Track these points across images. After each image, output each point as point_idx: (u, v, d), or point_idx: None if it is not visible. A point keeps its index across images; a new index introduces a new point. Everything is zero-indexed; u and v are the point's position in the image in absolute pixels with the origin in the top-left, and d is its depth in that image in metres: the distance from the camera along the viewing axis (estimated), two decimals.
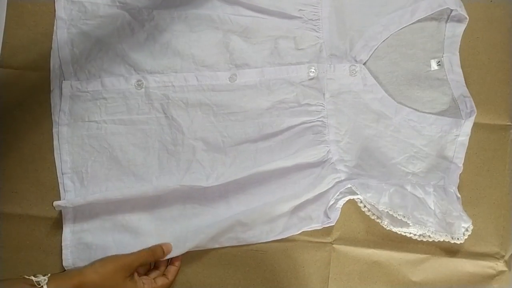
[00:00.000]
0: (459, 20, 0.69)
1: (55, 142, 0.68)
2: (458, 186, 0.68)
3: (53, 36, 0.69)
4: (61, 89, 0.68)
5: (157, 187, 0.65)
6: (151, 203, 0.67)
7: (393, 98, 0.69)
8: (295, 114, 0.68)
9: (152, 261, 0.66)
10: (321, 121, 0.68)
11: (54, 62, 0.69)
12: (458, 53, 0.70)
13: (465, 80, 0.69)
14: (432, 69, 0.70)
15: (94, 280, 0.59)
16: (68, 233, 0.67)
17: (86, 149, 0.68)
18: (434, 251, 0.69)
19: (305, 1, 0.69)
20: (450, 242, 0.66)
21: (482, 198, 0.71)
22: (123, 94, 0.68)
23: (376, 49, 0.69)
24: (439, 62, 0.70)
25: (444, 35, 0.70)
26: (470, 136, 0.69)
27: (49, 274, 0.58)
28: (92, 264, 0.62)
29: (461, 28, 0.69)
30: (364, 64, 0.69)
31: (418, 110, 0.68)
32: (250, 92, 0.68)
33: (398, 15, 0.68)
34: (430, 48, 0.70)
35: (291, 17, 0.69)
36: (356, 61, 0.69)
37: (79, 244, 0.67)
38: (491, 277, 0.69)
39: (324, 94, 0.68)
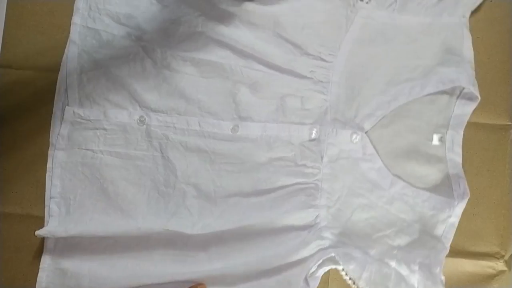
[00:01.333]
0: (470, 98, 0.68)
1: (49, 165, 0.68)
2: None
3: (63, 58, 0.70)
4: (63, 113, 0.69)
5: (141, 228, 0.64)
6: (133, 241, 0.66)
7: (390, 169, 0.68)
8: (290, 174, 0.68)
9: None
10: (315, 184, 0.68)
11: (60, 85, 0.70)
12: (462, 133, 0.69)
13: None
14: (433, 144, 0.69)
15: None
16: (48, 257, 0.67)
17: (78, 177, 0.68)
18: None
19: (318, 63, 0.69)
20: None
21: (482, 198, 0.71)
22: (124, 127, 0.68)
23: (381, 118, 0.69)
24: (441, 138, 0.69)
25: (453, 111, 0.69)
26: (470, 136, 0.70)
27: None
28: None
29: (471, 107, 0.68)
30: (367, 132, 0.69)
31: (412, 185, 0.68)
32: (249, 145, 0.68)
33: (409, 87, 0.68)
34: (436, 122, 0.70)
35: (301, 76, 0.69)
36: (359, 128, 0.68)
37: (56, 269, 0.66)
38: (491, 277, 0.70)
39: (322, 157, 0.68)
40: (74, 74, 0.69)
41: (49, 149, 0.68)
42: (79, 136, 0.68)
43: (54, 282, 0.66)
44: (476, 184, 0.70)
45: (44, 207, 0.68)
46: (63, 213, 0.67)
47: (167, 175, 0.68)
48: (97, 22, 0.70)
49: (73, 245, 0.66)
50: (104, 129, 0.68)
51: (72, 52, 0.70)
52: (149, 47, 0.69)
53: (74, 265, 0.66)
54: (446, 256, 0.68)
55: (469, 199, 0.68)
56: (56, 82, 0.70)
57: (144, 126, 0.68)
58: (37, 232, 0.64)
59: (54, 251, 0.67)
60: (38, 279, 0.66)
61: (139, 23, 0.69)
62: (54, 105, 0.69)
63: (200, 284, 0.64)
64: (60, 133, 0.68)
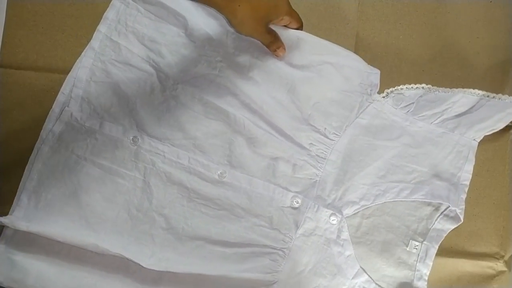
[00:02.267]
0: (453, 218, 0.69)
1: (32, 157, 0.69)
2: None
3: (77, 61, 0.71)
4: (61, 112, 0.69)
5: (99, 246, 0.64)
6: (88, 254, 0.66)
7: (359, 259, 0.68)
8: (262, 235, 0.67)
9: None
10: (283, 251, 0.67)
11: (66, 85, 0.70)
12: (437, 247, 0.68)
13: (465, 80, 0.69)
14: (408, 249, 0.69)
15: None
16: (2, 244, 0.66)
17: (56, 176, 0.68)
18: None
19: (320, 138, 0.70)
20: (450, 243, 0.66)
21: (482, 198, 0.71)
22: (115, 142, 0.68)
23: (364, 208, 0.69)
24: (417, 246, 0.69)
25: (433, 224, 0.69)
26: None
27: None
28: None
29: (452, 225, 0.69)
30: (347, 217, 0.69)
31: (375, 282, 0.67)
32: (231, 194, 0.68)
33: (399, 188, 0.68)
34: (415, 229, 0.69)
35: (300, 146, 0.69)
36: (340, 211, 0.68)
37: (6, 258, 0.66)
38: (491, 277, 0.70)
39: (297, 228, 0.68)
40: (84, 78, 0.70)
41: (37, 141, 0.69)
42: (69, 138, 0.68)
43: (0, 270, 0.65)
44: (476, 184, 0.70)
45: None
46: (31, 206, 0.67)
47: (142, 199, 0.68)
48: (121, 37, 0.71)
49: (30, 240, 0.66)
50: (96, 138, 0.68)
51: (88, 57, 0.71)
52: (163, 75, 0.70)
53: (25, 260, 0.66)
54: (446, 256, 0.69)
55: (469, 199, 0.68)
56: (56, 82, 0.71)
57: (135, 147, 0.69)
58: (0, 219, 0.64)
59: (11, 240, 0.66)
60: None
61: (161, 49, 0.70)
62: (54, 102, 0.70)
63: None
64: (52, 129, 0.69)
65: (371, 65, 0.71)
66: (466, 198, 0.69)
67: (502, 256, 0.70)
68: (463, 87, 0.71)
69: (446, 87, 0.70)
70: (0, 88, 0.71)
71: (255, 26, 0.66)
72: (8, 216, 0.66)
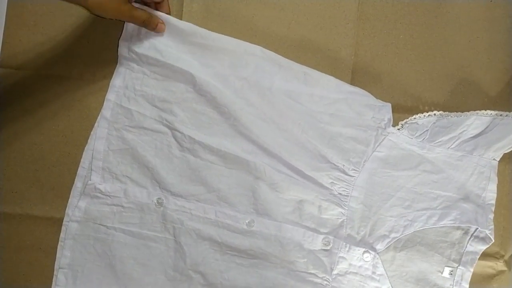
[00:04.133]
0: (484, 239, 0.69)
1: (62, 235, 0.69)
2: None
3: (92, 133, 0.71)
4: (84, 186, 0.70)
5: None
6: None
7: None
8: (300, 280, 0.68)
9: None
10: None
11: (85, 158, 0.71)
12: (472, 270, 0.69)
13: (465, 79, 0.69)
14: (443, 275, 0.69)
15: None
16: None
17: (89, 250, 0.69)
18: None
19: (340, 176, 0.70)
20: None
21: None
22: (141, 207, 0.69)
23: (395, 241, 0.69)
24: (451, 271, 0.69)
25: (465, 247, 0.70)
26: None
27: None
28: None
29: (484, 246, 0.69)
30: (379, 252, 0.69)
31: None
32: (262, 242, 0.69)
33: (427, 215, 0.68)
34: (449, 255, 0.70)
35: (322, 186, 0.70)
36: (371, 247, 0.69)
37: None
38: (491, 277, 0.70)
39: (332, 270, 0.69)
40: (101, 149, 0.71)
41: (64, 219, 0.70)
42: (96, 211, 0.69)
43: None
44: None
45: (44, 207, 0.70)
46: (70, 284, 0.68)
47: (177, 259, 0.69)
48: (131, 102, 0.72)
49: None
50: (122, 206, 0.69)
51: (102, 127, 0.71)
52: (179, 133, 0.70)
53: None
54: None
55: None
56: (56, 82, 0.71)
57: (161, 208, 0.69)
58: None
59: None
60: None
61: (173, 108, 0.71)
62: (76, 177, 0.71)
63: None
64: (78, 205, 0.70)
65: (370, 64, 0.71)
66: None
67: (502, 256, 0.70)
68: (464, 89, 0.71)
69: (457, 112, 0.70)
70: (0, 88, 0.71)
71: (117, 7, 0.63)
72: None
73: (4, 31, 0.72)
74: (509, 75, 0.73)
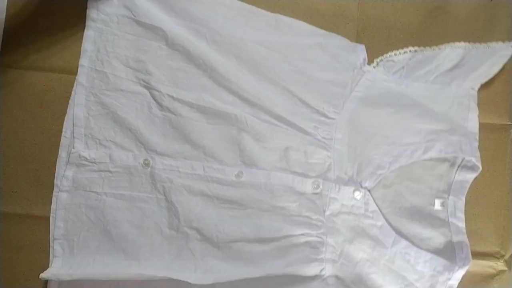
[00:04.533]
0: (472, 167, 0.70)
1: (53, 206, 0.69)
2: None
3: (70, 101, 0.71)
4: (69, 155, 0.69)
5: (144, 274, 0.65)
6: (135, 284, 0.67)
7: (393, 228, 0.69)
8: (295, 224, 0.69)
9: None
10: (320, 237, 0.69)
11: (66, 126, 0.70)
12: (464, 199, 0.69)
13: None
14: (435, 208, 0.70)
15: None
16: None
17: (82, 219, 0.69)
18: None
19: (321, 120, 0.71)
20: None
21: (482, 198, 0.71)
22: (128, 170, 0.69)
23: (383, 177, 0.70)
24: (443, 203, 0.70)
25: (454, 178, 0.70)
26: None
27: None
28: None
29: (472, 175, 0.70)
30: (369, 190, 0.70)
31: (415, 245, 0.69)
32: (253, 192, 0.69)
33: (411, 149, 0.69)
34: (437, 187, 0.71)
35: (305, 132, 0.70)
36: (361, 186, 0.70)
37: None
38: (491, 277, 0.70)
39: (324, 211, 0.69)
40: (81, 116, 0.70)
41: (53, 190, 0.69)
42: (84, 178, 0.69)
43: None
44: (476, 184, 0.71)
45: (44, 207, 0.70)
46: (67, 254, 0.68)
47: (171, 217, 0.69)
48: (106, 65, 0.71)
49: (75, 286, 0.68)
50: (109, 171, 0.69)
51: (80, 95, 0.71)
52: (157, 92, 0.70)
53: None
54: None
55: (469, 199, 0.69)
56: (56, 81, 0.72)
57: (149, 169, 0.69)
58: (42, 275, 0.65)
59: None
60: None
61: (148, 67, 0.70)
62: (60, 147, 0.70)
63: None
64: (65, 175, 0.69)
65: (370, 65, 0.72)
66: (466, 198, 0.69)
67: (503, 256, 0.70)
68: None
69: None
70: (0, 88, 0.71)
71: None
72: (48, 270, 0.67)
73: (4, 31, 0.72)
74: (509, 75, 0.73)
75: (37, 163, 0.70)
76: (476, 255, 0.70)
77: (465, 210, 0.68)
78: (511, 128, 0.72)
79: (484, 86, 0.72)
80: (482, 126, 0.71)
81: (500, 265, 0.70)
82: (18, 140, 0.71)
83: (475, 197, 0.71)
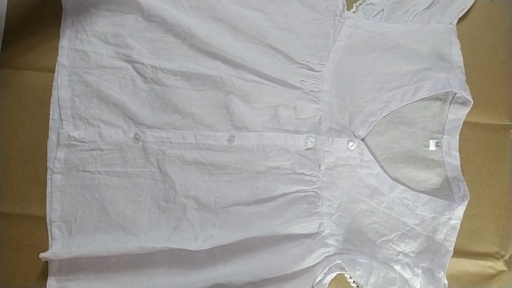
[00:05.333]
0: (464, 103, 0.70)
1: (48, 189, 0.69)
2: None
3: (53, 83, 0.71)
4: (58, 137, 0.69)
5: (144, 247, 0.66)
6: (136, 258, 0.68)
7: (389, 174, 0.69)
8: (290, 182, 0.69)
9: None
10: (315, 192, 0.69)
11: (53, 109, 0.70)
12: (458, 137, 0.70)
13: (465, 79, 0.69)
14: (430, 149, 0.70)
15: None
16: (53, 281, 0.68)
17: (77, 199, 0.69)
18: None
19: (307, 73, 0.70)
20: None
21: (482, 198, 0.71)
22: (119, 146, 0.69)
23: (375, 124, 0.70)
24: (437, 143, 0.70)
25: (447, 117, 0.70)
26: (470, 136, 0.70)
27: None
28: None
29: (465, 111, 0.70)
30: (363, 139, 0.70)
31: (412, 189, 0.69)
32: (246, 155, 0.69)
33: (400, 93, 0.69)
34: (431, 128, 0.71)
35: (292, 86, 0.70)
36: (354, 135, 0.70)
37: None
38: (491, 277, 0.70)
39: (319, 166, 0.69)
40: (66, 96, 0.70)
41: (47, 174, 0.69)
42: (76, 159, 0.69)
43: None
44: (476, 184, 0.71)
45: (44, 207, 0.70)
46: (66, 235, 0.68)
47: (166, 190, 0.69)
48: (85, 44, 0.71)
49: (77, 266, 0.68)
50: (100, 149, 0.69)
51: (62, 76, 0.71)
52: (139, 64, 0.70)
53: (79, 286, 0.67)
54: None
55: (469, 199, 0.68)
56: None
57: (140, 143, 0.69)
58: (42, 255, 0.65)
59: (59, 273, 0.68)
60: None
61: (127, 41, 0.70)
62: (49, 130, 0.70)
63: None
64: (56, 157, 0.69)
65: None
66: None
67: (502, 256, 0.70)
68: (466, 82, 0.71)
69: None
70: (0, 88, 0.71)
71: None
72: (48, 251, 0.67)
73: (4, 31, 0.72)
74: (509, 75, 0.73)
75: (37, 163, 0.70)
76: (476, 255, 0.70)
77: (465, 211, 0.68)
78: (511, 128, 0.72)
79: (484, 86, 0.72)
80: (482, 126, 0.72)
81: (500, 265, 0.71)
82: (18, 140, 0.71)
83: (475, 197, 0.71)
